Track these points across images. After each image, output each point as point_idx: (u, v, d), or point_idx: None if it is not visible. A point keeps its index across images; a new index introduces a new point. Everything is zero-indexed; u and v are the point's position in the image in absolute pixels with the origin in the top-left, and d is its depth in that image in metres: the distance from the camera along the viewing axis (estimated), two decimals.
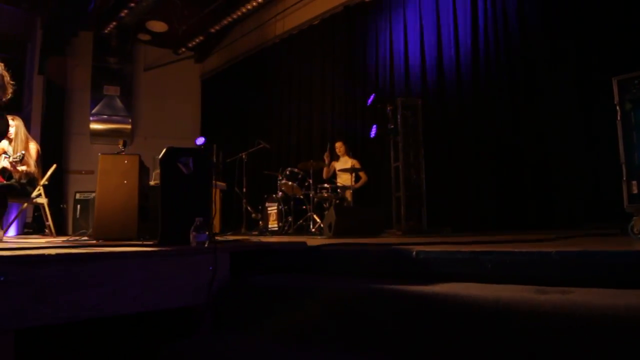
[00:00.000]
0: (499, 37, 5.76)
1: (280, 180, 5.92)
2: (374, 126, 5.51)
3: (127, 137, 11.36)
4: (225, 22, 8.78)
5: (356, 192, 6.23)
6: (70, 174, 11.06)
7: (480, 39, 5.94)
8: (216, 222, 6.30)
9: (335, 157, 6.67)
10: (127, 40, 10.95)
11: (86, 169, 11.24)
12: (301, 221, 5.86)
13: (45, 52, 10.34)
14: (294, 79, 8.98)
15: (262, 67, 9.90)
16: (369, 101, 5.63)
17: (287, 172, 5.89)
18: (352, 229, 4.64)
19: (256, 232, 5.53)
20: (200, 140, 8.06)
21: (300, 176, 5.85)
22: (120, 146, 3.17)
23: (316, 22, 8.57)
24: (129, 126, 11.26)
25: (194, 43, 9.83)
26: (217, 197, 6.44)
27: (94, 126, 10.99)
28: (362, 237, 4.58)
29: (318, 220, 5.75)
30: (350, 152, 6.49)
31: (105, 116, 11.08)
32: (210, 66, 11.96)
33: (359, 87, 7.48)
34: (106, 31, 9.50)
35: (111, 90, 11.08)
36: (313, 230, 5.76)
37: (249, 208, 5.97)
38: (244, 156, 6.28)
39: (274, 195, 5.98)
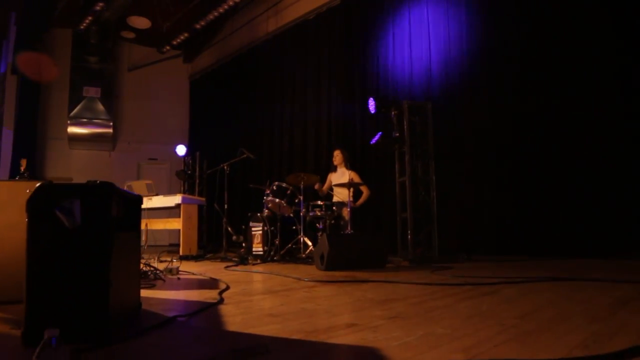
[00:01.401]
0: (523, 25, 4.92)
1: (266, 196, 5.08)
2: (379, 134, 4.67)
3: (108, 142, 10.57)
4: (211, 17, 7.95)
5: (355, 209, 5.37)
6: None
7: (499, 29, 5.10)
8: (193, 244, 5.48)
9: (332, 168, 5.82)
10: (108, 37, 10.12)
11: (64, 177, 10.41)
12: (290, 245, 5.01)
13: (19, 50, 9.52)
14: (287, 79, 8.15)
15: (254, 67, 9.07)
16: (372, 108, 4.78)
17: (274, 187, 5.05)
18: (349, 261, 3.80)
19: (237, 258, 4.68)
20: (182, 150, 7.24)
21: (289, 192, 5.00)
22: (23, 168, 2.32)
23: (311, 17, 7.75)
24: (110, 130, 10.42)
25: (179, 40, 9.01)
26: (194, 214, 5.60)
27: (73, 130, 10.15)
28: (362, 270, 3.76)
29: (310, 244, 4.90)
30: (349, 164, 5.64)
31: (85, 119, 10.25)
32: (199, 66, 11.15)
33: (359, 88, 6.65)
34: (82, 27, 8.66)
35: (91, 91, 10.24)
36: (304, 255, 4.91)
37: (229, 229, 5.13)
38: (225, 167, 5.43)
39: (258, 215, 5.13)
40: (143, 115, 11.07)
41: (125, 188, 6.35)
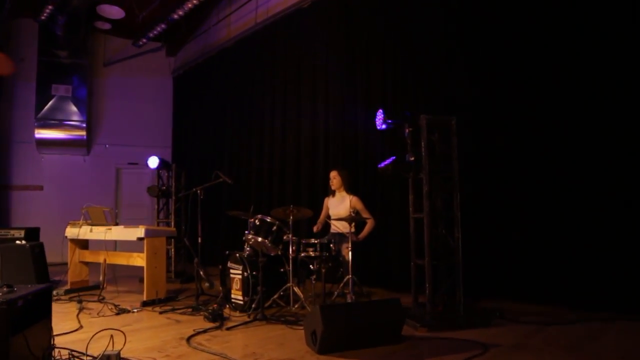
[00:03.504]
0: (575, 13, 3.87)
1: (247, 233, 4.06)
2: (391, 158, 3.64)
3: (82, 146, 9.51)
4: (190, 5, 6.85)
5: (357, 245, 4.37)
6: (14, 190, 9.20)
7: (543, 18, 4.06)
8: (161, 285, 4.48)
9: (329, 191, 4.81)
10: (79, 29, 8.99)
11: (33, 184, 9.38)
12: (279, 294, 4.02)
13: None
14: (278, 78, 7.08)
15: (241, 63, 7.99)
16: (380, 123, 3.75)
17: (257, 222, 4.03)
18: (351, 339, 2.82)
19: (208, 312, 3.69)
20: (154, 162, 6.19)
21: (274, 228, 3.99)
22: None
23: (305, 5, 6.66)
24: (83, 132, 9.36)
25: (155, 33, 7.91)
26: (161, 248, 4.59)
27: (41, 133, 9.10)
28: (369, 348, 2.79)
29: (301, 296, 3.91)
30: (349, 187, 4.62)
31: (55, 121, 9.19)
32: (183, 60, 10.06)
33: (362, 93, 5.59)
34: (43, 17, 7.55)
35: (61, 89, 9.17)
36: (294, 308, 3.93)
37: (201, 273, 4.12)
38: (199, 191, 4.42)
39: (237, 255, 4.12)
40: (121, 115, 10.00)
41: (82, 212, 5.35)
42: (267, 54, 7.32)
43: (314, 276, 4.13)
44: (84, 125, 9.34)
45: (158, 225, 6.50)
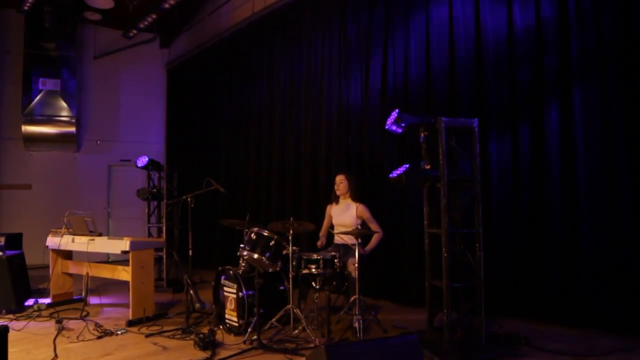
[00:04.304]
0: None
1: (242, 248, 3.65)
2: (405, 166, 3.20)
3: (72, 142, 9.06)
4: None
5: (362, 256, 3.96)
6: (1, 189, 8.77)
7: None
8: (149, 302, 4.10)
9: (333, 198, 4.37)
10: (66, 20, 8.52)
11: (21, 183, 8.96)
12: (278, 316, 3.61)
13: None
14: (275, 74, 6.62)
15: (237, 56, 7.52)
16: (389, 122, 3.31)
17: (253, 236, 3.62)
18: None
19: (199, 338, 3.30)
20: (142, 161, 5.78)
21: (272, 243, 3.58)
22: None
23: None
24: (73, 128, 8.90)
25: (146, 23, 7.43)
26: (149, 262, 4.19)
27: (28, 129, 8.65)
28: None
29: (303, 320, 3.50)
30: (355, 197, 4.19)
31: (43, 117, 8.73)
32: (177, 51, 9.58)
33: (366, 90, 5.14)
34: (26, 7, 7.08)
35: (49, 83, 8.69)
36: (295, 333, 3.53)
37: (191, 292, 3.71)
38: (189, 199, 4.01)
39: (231, 272, 3.72)
40: (113, 109, 9.56)
41: (64, 221, 4.94)
42: (265, 45, 6.86)
43: (317, 295, 3.74)
44: (74, 120, 8.89)
45: (149, 230, 6.10)
